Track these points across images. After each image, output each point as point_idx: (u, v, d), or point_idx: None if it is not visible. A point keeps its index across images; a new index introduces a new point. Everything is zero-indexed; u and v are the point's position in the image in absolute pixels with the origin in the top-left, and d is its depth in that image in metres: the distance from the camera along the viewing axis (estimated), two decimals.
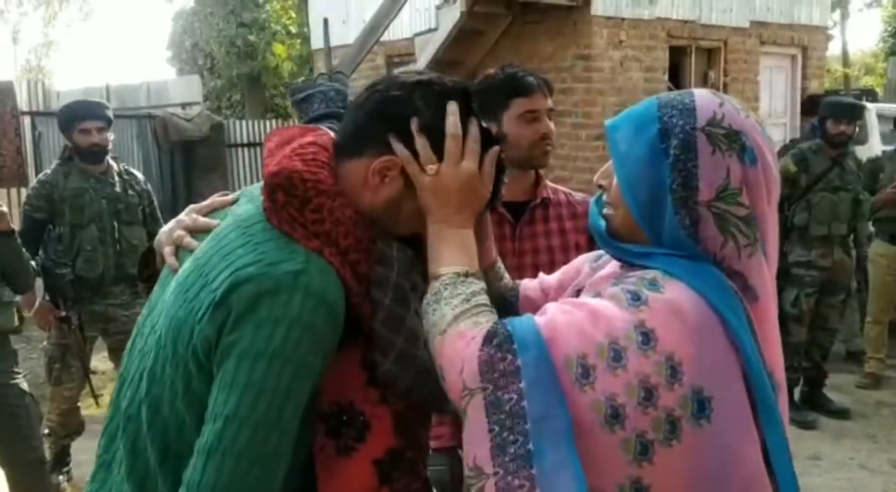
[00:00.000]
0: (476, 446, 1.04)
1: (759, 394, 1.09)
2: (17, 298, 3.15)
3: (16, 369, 3.16)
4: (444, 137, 1.18)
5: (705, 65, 8.80)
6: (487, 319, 1.12)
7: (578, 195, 2.34)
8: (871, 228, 5.29)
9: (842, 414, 4.88)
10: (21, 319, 3.17)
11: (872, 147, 7.47)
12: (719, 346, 1.08)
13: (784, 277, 4.76)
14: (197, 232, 1.26)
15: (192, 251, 1.21)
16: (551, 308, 1.13)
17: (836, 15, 22.11)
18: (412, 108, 1.18)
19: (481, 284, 1.18)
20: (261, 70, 18.23)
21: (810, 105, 7.36)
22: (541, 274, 1.50)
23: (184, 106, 10.55)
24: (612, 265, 1.27)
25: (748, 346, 1.08)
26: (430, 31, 8.28)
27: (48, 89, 9.87)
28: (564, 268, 1.45)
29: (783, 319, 4.76)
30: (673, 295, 1.09)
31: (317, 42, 10.21)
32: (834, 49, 22.37)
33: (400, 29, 8.92)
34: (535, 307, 1.37)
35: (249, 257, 1.08)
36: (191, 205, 1.34)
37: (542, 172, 2.30)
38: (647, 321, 1.05)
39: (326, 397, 1.22)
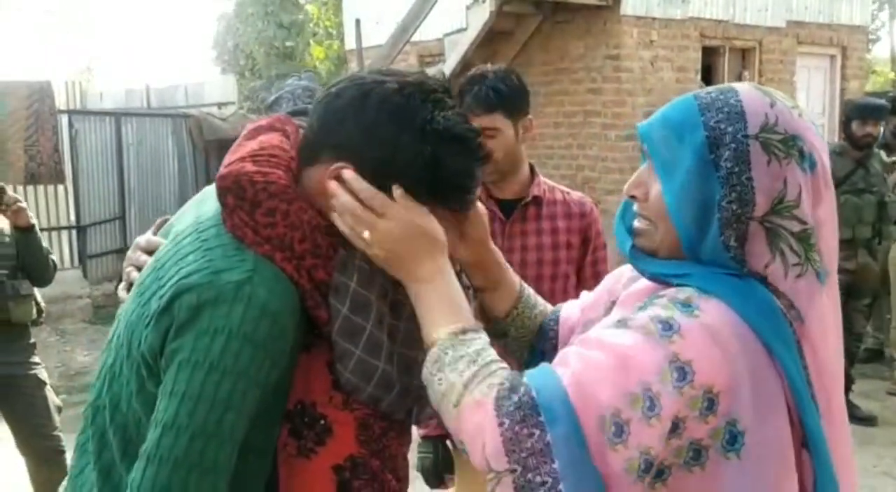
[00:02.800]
0: None
1: (808, 425, 1.00)
2: (36, 291, 3.23)
3: (34, 360, 3.23)
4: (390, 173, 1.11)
5: (739, 65, 8.67)
6: (500, 380, 1.01)
7: (575, 195, 2.35)
8: None
9: (868, 421, 4.78)
10: (40, 311, 3.25)
11: None
12: (761, 374, 0.99)
13: None
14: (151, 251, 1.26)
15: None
16: (572, 357, 1.01)
17: (885, 15, 21.61)
18: (356, 135, 1.12)
19: (483, 338, 1.08)
20: (299, 71, 18.43)
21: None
22: (583, 294, 1.40)
23: (220, 106, 10.73)
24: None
25: (794, 374, 0.99)
26: (459, 31, 8.28)
27: (86, 89, 10.09)
28: (604, 281, 1.32)
29: None
30: (709, 318, 0.99)
31: (350, 43, 10.27)
32: (883, 51, 21.88)
33: (431, 29, 8.93)
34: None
35: (196, 265, 1.08)
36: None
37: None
38: (681, 354, 0.96)
39: (293, 395, 1.20)
